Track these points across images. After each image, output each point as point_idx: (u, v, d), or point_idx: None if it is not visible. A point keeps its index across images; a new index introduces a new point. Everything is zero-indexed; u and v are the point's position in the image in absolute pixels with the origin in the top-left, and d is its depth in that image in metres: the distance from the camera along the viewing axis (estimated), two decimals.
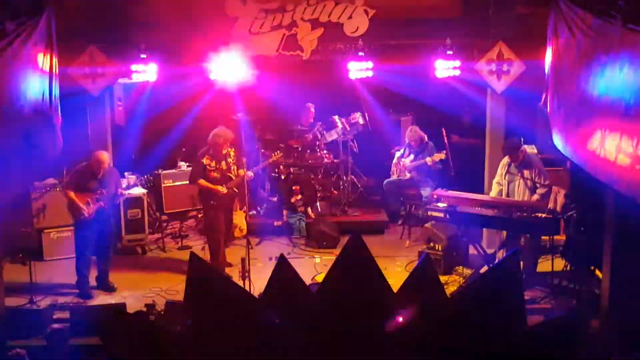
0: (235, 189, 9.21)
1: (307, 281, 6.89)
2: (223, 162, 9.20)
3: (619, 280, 7.10)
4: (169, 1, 9.88)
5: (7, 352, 6.71)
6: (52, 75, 7.91)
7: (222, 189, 9.12)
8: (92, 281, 9.02)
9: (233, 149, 9.37)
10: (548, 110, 8.15)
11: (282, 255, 3.57)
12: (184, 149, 11.42)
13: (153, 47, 9.89)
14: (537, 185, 8.76)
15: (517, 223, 8.44)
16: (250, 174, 9.43)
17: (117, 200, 9.24)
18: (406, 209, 10.74)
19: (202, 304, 3.47)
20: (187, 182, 10.86)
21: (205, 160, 9.15)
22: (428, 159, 10.44)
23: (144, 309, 8.11)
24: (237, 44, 9.68)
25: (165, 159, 11.46)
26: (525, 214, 8.35)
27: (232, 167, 9.25)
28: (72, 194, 8.73)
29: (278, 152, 10.33)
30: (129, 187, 9.44)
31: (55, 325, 7.21)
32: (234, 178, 9.20)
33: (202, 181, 9.16)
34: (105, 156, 8.94)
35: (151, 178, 9.91)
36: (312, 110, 11.76)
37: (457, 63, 9.92)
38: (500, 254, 8.75)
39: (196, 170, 9.27)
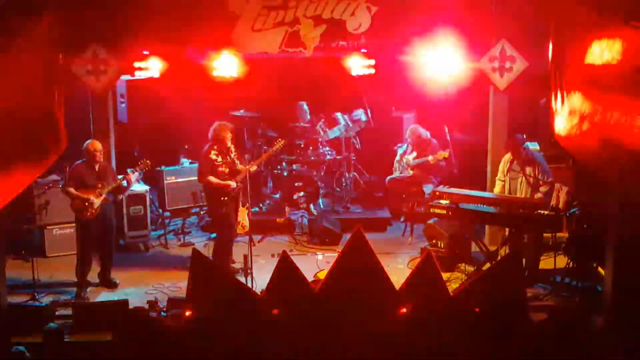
0: (241, 183, 9.17)
1: (309, 278, 6.87)
2: (228, 157, 9.17)
3: (622, 277, 7.09)
4: None
5: (9, 349, 6.72)
6: (56, 73, 7.91)
7: (233, 183, 9.06)
8: (94, 278, 9.04)
9: (232, 144, 9.32)
10: (551, 106, 8.14)
11: (284, 252, 3.57)
12: (186, 146, 11.42)
13: (155, 43, 9.90)
14: (540, 182, 8.76)
15: (519, 220, 8.45)
16: (253, 167, 9.42)
17: (119, 197, 9.24)
18: (409, 206, 10.74)
19: (204, 300, 3.47)
20: (190, 178, 10.92)
21: (213, 156, 9.06)
22: (430, 158, 10.44)
23: (146, 306, 8.13)
24: (240, 41, 9.68)
25: (167, 156, 11.47)
26: (527, 211, 8.35)
27: (236, 161, 9.23)
28: (72, 191, 8.71)
29: (280, 140, 10.21)
30: (131, 184, 9.39)
31: (51, 325, 7.20)
32: (242, 171, 9.14)
33: (212, 178, 9.04)
34: (97, 144, 8.84)
35: (148, 170, 9.76)
36: (305, 107, 11.74)
37: (460, 60, 9.92)
38: (503, 251, 8.75)
39: (205, 167, 9.10)
